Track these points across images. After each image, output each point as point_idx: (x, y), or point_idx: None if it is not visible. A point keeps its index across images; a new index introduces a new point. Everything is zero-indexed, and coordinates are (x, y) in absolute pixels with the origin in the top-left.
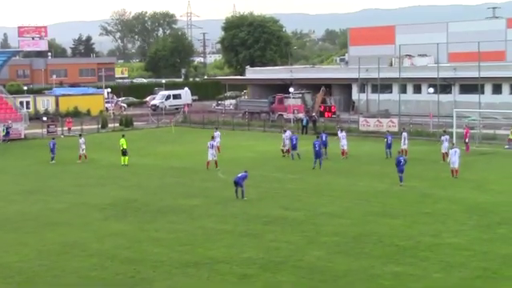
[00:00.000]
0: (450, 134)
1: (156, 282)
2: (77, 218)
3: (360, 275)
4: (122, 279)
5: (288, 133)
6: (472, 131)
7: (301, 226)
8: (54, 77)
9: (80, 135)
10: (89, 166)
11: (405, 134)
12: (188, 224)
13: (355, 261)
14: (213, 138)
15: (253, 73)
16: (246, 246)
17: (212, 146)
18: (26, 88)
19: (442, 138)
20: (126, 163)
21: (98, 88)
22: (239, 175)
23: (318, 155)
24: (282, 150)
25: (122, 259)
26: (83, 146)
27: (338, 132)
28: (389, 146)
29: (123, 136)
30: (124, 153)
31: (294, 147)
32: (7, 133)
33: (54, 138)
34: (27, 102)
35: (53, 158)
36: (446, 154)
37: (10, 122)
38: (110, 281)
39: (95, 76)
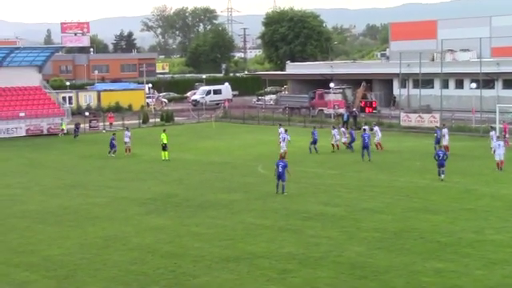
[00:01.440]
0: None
1: (196, 277)
2: (117, 212)
3: (401, 271)
4: (163, 273)
5: (341, 128)
6: None
7: (341, 221)
8: (96, 72)
9: (127, 128)
10: (130, 161)
11: (445, 130)
12: (228, 219)
13: (396, 257)
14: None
15: (293, 68)
16: (286, 242)
17: (284, 139)
18: (68, 83)
19: (491, 133)
20: (167, 158)
21: (139, 83)
22: (281, 163)
23: (366, 146)
24: (333, 145)
25: (163, 253)
26: (127, 140)
27: (374, 127)
28: (438, 141)
29: (164, 131)
30: (164, 148)
31: (314, 142)
32: (76, 129)
33: (114, 134)
34: (70, 97)
35: (113, 152)
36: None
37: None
38: (150, 275)
39: (136, 71)
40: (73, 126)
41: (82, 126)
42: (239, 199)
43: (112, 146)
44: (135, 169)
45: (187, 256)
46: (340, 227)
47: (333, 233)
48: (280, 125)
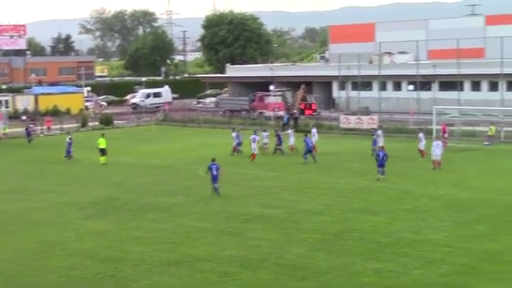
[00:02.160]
0: (430, 131)
1: (137, 281)
2: (58, 216)
3: (341, 272)
4: (103, 278)
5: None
6: (451, 128)
7: (281, 223)
8: (34, 75)
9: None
10: (70, 165)
11: (379, 132)
12: (169, 222)
13: (336, 258)
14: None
15: (233, 71)
16: (227, 244)
17: (254, 140)
18: (4, 87)
19: (420, 135)
20: (105, 162)
21: (77, 86)
22: (214, 166)
23: (309, 150)
24: (261, 148)
25: (103, 258)
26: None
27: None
28: (375, 143)
29: (103, 135)
30: (103, 152)
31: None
32: (28, 133)
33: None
34: (6, 101)
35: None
36: (423, 151)
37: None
38: (90, 280)
39: (75, 75)
40: (22, 130)
41: (18, 130)
42: (180, 202)
43: (69, 150)
44: (75, 173)
45: (127, 260)
46: (280, 229)
47: (273, 235)
48: (233, 129)
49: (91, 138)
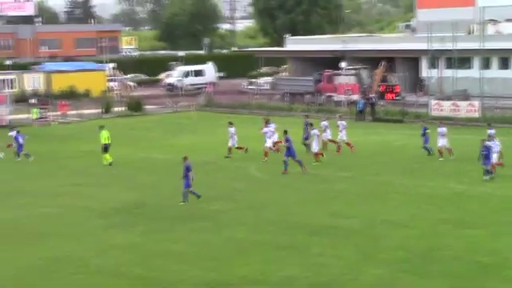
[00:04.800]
0: None
1: None
2: (73, 226)
3: None
4: None
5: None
6: None
7: (355, 237)
8: (45, 48)
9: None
10: (88, 162)
11: (444, 130)
12: (213, 234)
13: (425, 282)
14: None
15: (294, 43)
16: (286, 262)
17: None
18: (8, 63)
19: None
20: (110, 161)
21: (99, 63)
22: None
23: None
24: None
25: (132, 278)
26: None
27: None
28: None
29: (102, 127)
30: (106, 149)
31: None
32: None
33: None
34: (11, 80)
35: (19, 155)
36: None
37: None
38: None
39: (96, 47)
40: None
41: (26, 116)
42: (226, 209)
43: (20, 146)
44: (95, 171)
45: (163, 281)
46: (354, 245)
47: (345, 252)
48: (267, 119)
49: (117, 128)
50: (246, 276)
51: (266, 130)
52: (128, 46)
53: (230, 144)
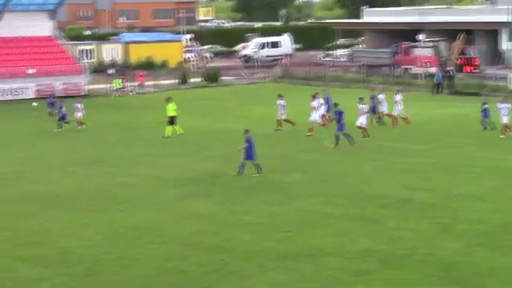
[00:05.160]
0: None
1: (247, 277)
2: (150, 195)
3: (508, 275)
4: (206, 272)
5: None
6: None
7: (431, 210)
8: (123, 19)
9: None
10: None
11: (507, 106)
12: (286, 206)
13: (502, 256)
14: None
15: (371, 15)
16: (360, 235)
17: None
18: (88, 33)
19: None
20: (181, 132)
21: (176, 34)
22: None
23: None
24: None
25: (206, 247)
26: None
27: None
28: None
29: (169, 100)
30: (172, 121)
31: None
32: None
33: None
34: (89, 51)
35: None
36: None
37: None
38: (191, 273)
39: (173, 18)
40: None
41: (104, 86)
42: (300, 181)
43: (63, 117)
44: (172, 141)
45: (236, 251)
46: (430, 217)
47: (420, 225)
48: (315, 93)
49: (192, 98)
50: (319, 248)
51: (314, 103)
52: (205, 16)
53: (281, 116)
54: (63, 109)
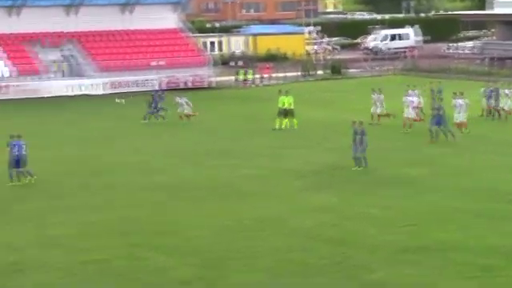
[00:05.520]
0: None
1: (371, 271)
2: (272, 187)
3: None
4: (328, 265)
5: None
6: None
7: None
8: (248, 11)
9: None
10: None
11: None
12: (410, 199)
13: None
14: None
15: (503, 6)
16: (486, 230)
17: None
18: (214, 25)
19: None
20: (288, 127)
21: (300, 25)
22: None
23: None
24: None
25: (328, 240)
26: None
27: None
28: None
29: (282, 92)
30: (285, 113)
31: None
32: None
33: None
34: (215, 43)
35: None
36: None
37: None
38: (312, 266)
39: (295, 11)
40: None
41: (228, 78)
42: (424, 174)
43: (156, 107)
44: (294, 133)
45: (358, 244)
46: None
47: None
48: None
49: (316, 90)
50: (445, 241)
51: (409, 98)
52: (332, 8)
53: (375, 110)
54: (157, 100)
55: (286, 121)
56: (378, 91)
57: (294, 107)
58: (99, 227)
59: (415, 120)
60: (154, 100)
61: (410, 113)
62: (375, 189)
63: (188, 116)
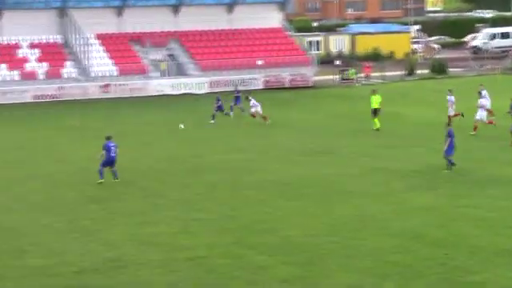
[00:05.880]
0: None
1: (473, 273)
2: (374, 186)
3: None
4: (430, 266)
5: None
6: None
7: None
8: (350, 10)
9: (247, 98)
10: (391, 123)
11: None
12: None
13: None
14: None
15: None
16: None
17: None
18: (315, 24)
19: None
20: (378, 127)
21: (403, 24)
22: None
23: None
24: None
25: (431, 241)
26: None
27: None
28: None
29: (374, 92)
30: (375, 113)
31: None
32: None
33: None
34: (317, 42)
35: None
36: None
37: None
38: (414, 267)
39: (401, 9)
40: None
41: (330, 77)
42: None
43: (220, 107)
44: (398, 133)
45: (461, 246)
46: None
47: None
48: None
49: (419, 90)
50: None
51: (482, 101)
52: (433, 7)
53: (450, 113)
54: (220, 101)
55: (375, 120)
56: (449, 92)
57: (399, 107)
58: (200, 225)
59: (489, 123)
60: (237, 99)
61: (481, 116)
62: (479, 190)
63: (264, 117)
